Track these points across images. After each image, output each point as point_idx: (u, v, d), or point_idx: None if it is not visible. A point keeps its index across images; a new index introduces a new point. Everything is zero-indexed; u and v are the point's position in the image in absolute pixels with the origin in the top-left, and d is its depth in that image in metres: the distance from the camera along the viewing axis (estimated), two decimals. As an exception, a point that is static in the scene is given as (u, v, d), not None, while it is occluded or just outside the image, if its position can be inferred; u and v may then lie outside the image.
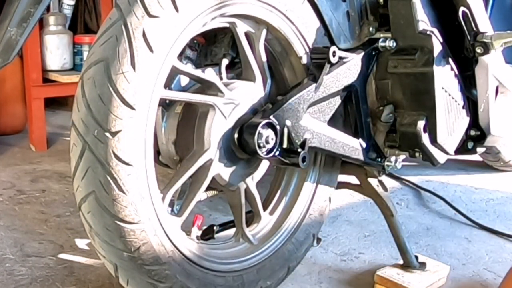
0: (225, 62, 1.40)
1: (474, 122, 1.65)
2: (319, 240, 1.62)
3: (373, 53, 1.53)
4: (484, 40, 1.52)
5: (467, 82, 1.61)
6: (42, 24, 2.86)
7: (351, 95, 1.51)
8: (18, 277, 1.58)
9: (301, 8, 1.40)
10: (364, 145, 1.53)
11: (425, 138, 1.50)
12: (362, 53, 1.49)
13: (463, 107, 1.59)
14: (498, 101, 1.67)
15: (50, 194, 2.24)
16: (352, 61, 1.46)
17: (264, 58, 1.39)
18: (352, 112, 1.53)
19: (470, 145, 1.68)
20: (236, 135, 1.31)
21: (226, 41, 1.42)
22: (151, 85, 1.14)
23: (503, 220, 2.08)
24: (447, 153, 1.56)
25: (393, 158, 1.56)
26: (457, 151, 1.63)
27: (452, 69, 1.53)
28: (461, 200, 2.27)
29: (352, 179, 1.69)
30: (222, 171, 1.32)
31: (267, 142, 1.30)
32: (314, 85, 1.38)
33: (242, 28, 1.34)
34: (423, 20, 1.47)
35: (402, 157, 1.59)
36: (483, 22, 1.56)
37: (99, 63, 1.11)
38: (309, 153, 1.39)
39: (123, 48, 1.10)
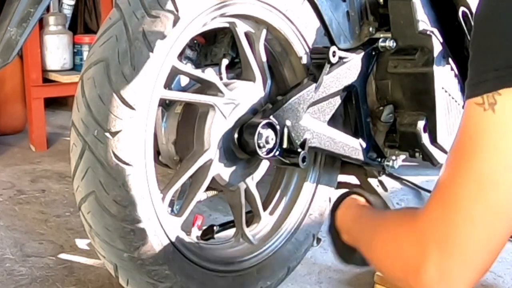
0: (225, 62, 1.40)
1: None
2: (319, 240, 1.62)
3: (373, 53, 1.53)
4: (484, 40, 1.52)
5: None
6: (42, 24, 2.85)
7: (351, 95, 1.51)
8: (18, 277, 1.58)
9: (301, 8, 1.40)
10: (364, 145, 1.53)
11: (425, 138, 1.50)
12: (362, 53, 1.49)
13: (463, 107, 1.59)
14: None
15: (50, 194, 2.23)
16: (352, 61, 1.46)
17: (264, 58, 1.39)
18: (352, 112, 1.53)
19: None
20: (236, 135, 1.31)
21: (226, 41, 1.42)
22: (151, 85, 1.13)
23: (503, 220, 2.07)
24: (447, 153, 1.56)
25: (393, 158, 1.56)
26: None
27: (452, 69, 1.53)
28: (461, 200, 2.26)
29: (352, 179, 1.69)
30: (222, 171, 1.32)
31: (267, 142, 1.29)
32: (314, 85, 1.38)
33: (242, 28, 1.34)
34: (423, 20, 1.47)
35: (402, 157, 1.59)
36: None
37: (99, 63, 1.11)
38: (309, 153, 1.39)
39: (123, 48, 1.10)
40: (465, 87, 0.78)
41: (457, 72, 1.55)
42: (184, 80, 1.35)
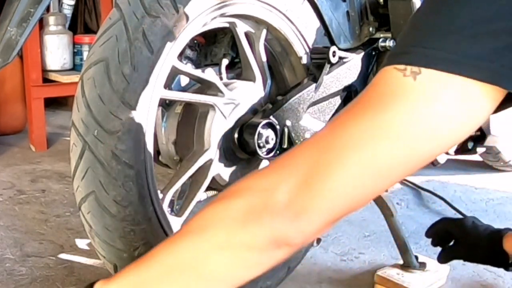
0: (225, 62, 1.40)
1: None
2: (319, 240, 1.62)
3: (373, 53, 1.53)
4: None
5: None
6: (42, 24, 2.86)
7: (351, 95, 1.51)
8: (18, 277, 1.58)
9: (301, 8, 1.40)
10: (364, 145, 1.53)
11: (425, 138, 1.50)
12: (362, 53, 1.49)
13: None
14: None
15: (50, 194, 2.23)
16: (352, 61, 1.46)
17: (264, 58, 1.39)
18: (352, 112, 1.53)
19: (470, 145, 1.68)
20: (236, 135, 1.31)
21: (226, 41, 1.42)
22: (151, 85, 1.14)
23: (503, 220, 2.07)
24: (447, 153, 1.56)
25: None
26: (457, 151, 1.63)
27: (452, 69, 1.53)
28: (461, 200, 2.26)
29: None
30: (222, 171, 1.32)
31: (267, 142, 1.30)
32: (314, 85, 1.38)
33: (242, 28, 1.34)
34: (423, 20, 1.47)
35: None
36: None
37: (99, 63, 1.11)
38: (309, 153, 1.39)
39: (123, 48, 1.10)
40: (387, 57, 0.74)
41: (457, 72, 1.55)
42: (184, 80, 1.35)
